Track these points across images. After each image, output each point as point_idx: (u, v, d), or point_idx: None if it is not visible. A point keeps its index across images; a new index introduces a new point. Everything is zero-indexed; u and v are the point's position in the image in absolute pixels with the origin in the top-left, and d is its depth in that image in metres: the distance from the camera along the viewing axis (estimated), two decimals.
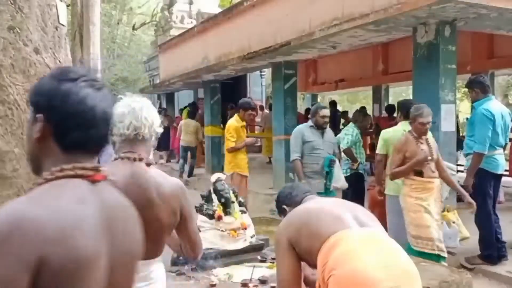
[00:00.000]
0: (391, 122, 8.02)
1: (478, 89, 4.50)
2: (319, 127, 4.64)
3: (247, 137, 5.93)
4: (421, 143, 3.90)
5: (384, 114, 10.38)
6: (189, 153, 11.01)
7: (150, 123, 1.75)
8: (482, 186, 4.31)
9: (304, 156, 4.61)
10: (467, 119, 6.14)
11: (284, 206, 2.20)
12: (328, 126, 4.82)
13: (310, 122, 4.75)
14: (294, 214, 1.99)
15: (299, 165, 4.63)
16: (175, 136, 12.49)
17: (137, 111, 1.74)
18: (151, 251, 1.74)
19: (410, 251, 3.71)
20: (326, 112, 4.72)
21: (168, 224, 1.74)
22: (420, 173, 3.86)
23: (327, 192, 4.55)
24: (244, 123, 5.52)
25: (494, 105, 4.42)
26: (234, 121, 5.51)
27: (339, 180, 4.67)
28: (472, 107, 4.70)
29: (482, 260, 4.44)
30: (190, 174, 11.02)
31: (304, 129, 4.70)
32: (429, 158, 3.84)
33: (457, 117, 7.34)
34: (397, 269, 1.70)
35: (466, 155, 4.63)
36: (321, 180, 4.57)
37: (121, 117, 1.73)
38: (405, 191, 3.95)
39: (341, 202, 2.10)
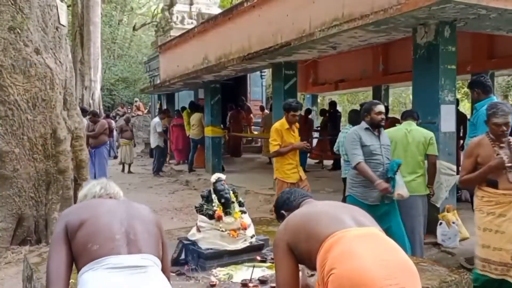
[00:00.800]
0: (386, 122, 8.01)
1: (480, 89, 4.50)
2: (376, 126, 4.08)
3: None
4: (500, 147, 3.31)
5: None
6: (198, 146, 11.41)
7: (117, 190, 2.13)
8: None
9: None
10: (468, 120, 6.12)
11: (283, 211, 2.21)
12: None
13: (363, 124, 4.14)
14: (292, 218, 2.00)
15: (366, 167, 3.96)
16: (173, 137, 12.55)
17: (104, 182, 2.13)
18: (151, 245, 1.86)
19: (475, 276, 3.40)
20: (382, 107, 4.13)
21: (159, 227, 1.98)
22: (494, 184, 3.29)
23: (382, 203, 4.01)
24: (288, 125, 5.17)
25: None
26: (277, 124, 5.27)
27: (402, 187, 4.00)
28: (474, 108, 4.70)
29: None
30: (191, 164, 11.37)
31: (360, 131, 4.10)
32: (509, 164, 3.22)
33: (466, 119, 7.20)
34: (396, 267, 1.71)
35: None
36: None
37: (91, 187, 2.10)
38: (476, 204, 3.42)
39: (338, 204, 2.11)
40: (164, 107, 15.39)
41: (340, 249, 1.73)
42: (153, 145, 11.74)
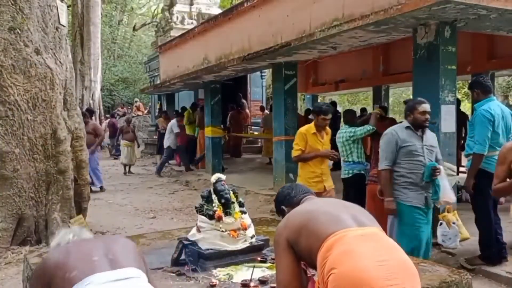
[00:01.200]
0: (383, 123, 8.02)
1: (479, 90, 4.51)
2: (419, 127, 3.86)
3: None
4: None
5: None
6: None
7: (90, 235, 2.08)
8: (482, 187, 4.30)
9: (399, 164, 3.83)
10: (468, 120, 6.12)
11: (283, 207, 2.22)
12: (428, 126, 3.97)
13: (405, 123, 3.94)
14: (293, 215, 2.00)
15: (387, 177, 3.82)
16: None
17: (76, 230, 2.08)
18: (132, 261, 1.81)
19: None
20: (427, 107, 3.86)
21: (138, 250, 1.94)
22: None
23: (427, 207, 3.85)
24: (316, 130, 4.85)
25: (494, 105, 4.42)
26: (303, 127, 4.98)
27: (448, 193, 3.79)
28: (473, 109, 4.70)
29: (482, 261, 4.43)
30: (199, 160, 11.83)
31: (399, 131, 3.88)
32: None
33: (467, 119, 7.19)
34: (397, 267, 1.71)
35: (466, 155, 4.64)
36: (423, 193, 3.81)
37: (63, 236, 2.01)
38: None
39: (339, 203, 2.11)
40: (164, 107, 15.40)
41: (340, 249, 1.73)
42: (165, 146, 11.98)
